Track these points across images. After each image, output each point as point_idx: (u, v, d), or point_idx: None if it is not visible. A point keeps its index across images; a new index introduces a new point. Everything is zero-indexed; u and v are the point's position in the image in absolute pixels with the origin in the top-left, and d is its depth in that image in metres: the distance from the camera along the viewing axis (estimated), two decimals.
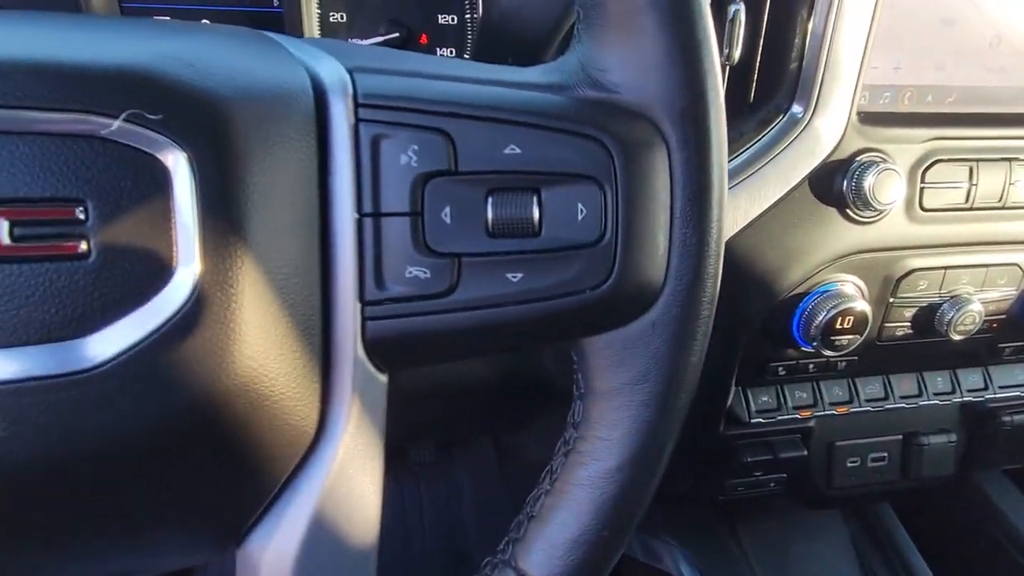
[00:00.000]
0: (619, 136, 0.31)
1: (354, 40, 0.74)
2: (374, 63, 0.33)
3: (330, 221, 0.31)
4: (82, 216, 0.26)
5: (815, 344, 0.67)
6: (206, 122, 0.28)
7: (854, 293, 0.67)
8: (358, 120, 0.31)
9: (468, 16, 0.74)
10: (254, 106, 0.29)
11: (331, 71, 0.32)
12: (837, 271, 0.67)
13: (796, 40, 0.61)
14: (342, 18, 0.73)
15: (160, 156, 0.27)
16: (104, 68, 0.27)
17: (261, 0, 0.72)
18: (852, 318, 0.65)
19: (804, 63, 0.61)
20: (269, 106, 0.29)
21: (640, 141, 0.31)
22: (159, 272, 0.27)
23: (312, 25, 0.72)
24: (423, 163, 0.31)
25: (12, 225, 0.25)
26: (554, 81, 0.33)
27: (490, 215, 0.31)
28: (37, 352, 0.26)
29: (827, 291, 0.67)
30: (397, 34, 0.73)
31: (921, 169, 0.65)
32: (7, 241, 0.25)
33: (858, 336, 0.66)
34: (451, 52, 0.76)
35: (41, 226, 0.26)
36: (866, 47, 0.60)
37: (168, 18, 0.70)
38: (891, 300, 0.70)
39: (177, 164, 0.27)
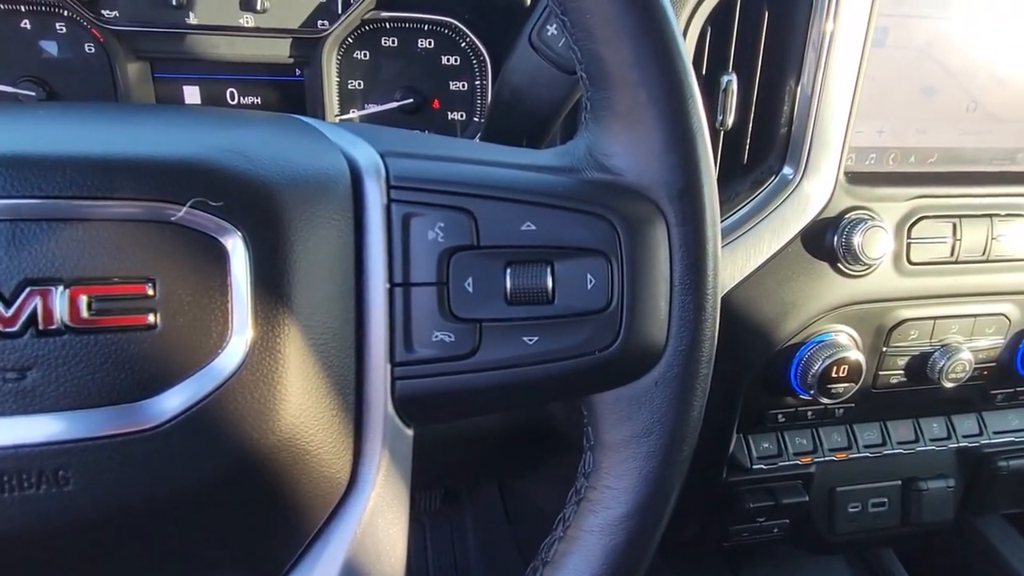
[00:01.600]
0: (623, 214, 0.35)
1: (370, 105, 0.78)
2: (403, 147, 0.37)
3: (364, 291, 0.34)
4: (151, 292, 0.29)
5: (812, 392, 0.69)
6: (259, 206, 0.31)
7: (848, 343, 0.70)
8: (390, 201, 0.34)
9: (478, 82, 0.79)
10: (299, 190, 0.33)
11: (366, 156, 0.35)
12: (831, 322, 0.71)
13: (785, 107, 0.66)
14: (359, 85, 0.78)
15: (220, 238, 0.30)
16: (170, 161, 0.31)
17: (284, 69, 0.77)
18: (847, 367, 0.68)
19: (793, 128, 0.66)
20: (312, 190, 0.33)
21: (642, 218, 0.35)
22: (216, 340, 0.30)
23: (332, 93, 0.76)
24: (448, 238, 0.34)
25: (90, 300, 0.29)
26: (565, 164, 0.37)
27: (508, 285, 0.35)
28: (107, 413, 0.29)
29: (822, 341, 0.70)
30: (411, 100, 0.78)
31: (907, 225, 0.68)
32: (85, 314, 0.29)
33: (853, 384, 0.69)
34: (462, 115, 0.81)
35: (115, 301, 0.29)
36: (851, 113, 0.65)
37: (198, 88, 0.75)
38: (884, 349, 0.73)
39: (235, 245, 0.30)
